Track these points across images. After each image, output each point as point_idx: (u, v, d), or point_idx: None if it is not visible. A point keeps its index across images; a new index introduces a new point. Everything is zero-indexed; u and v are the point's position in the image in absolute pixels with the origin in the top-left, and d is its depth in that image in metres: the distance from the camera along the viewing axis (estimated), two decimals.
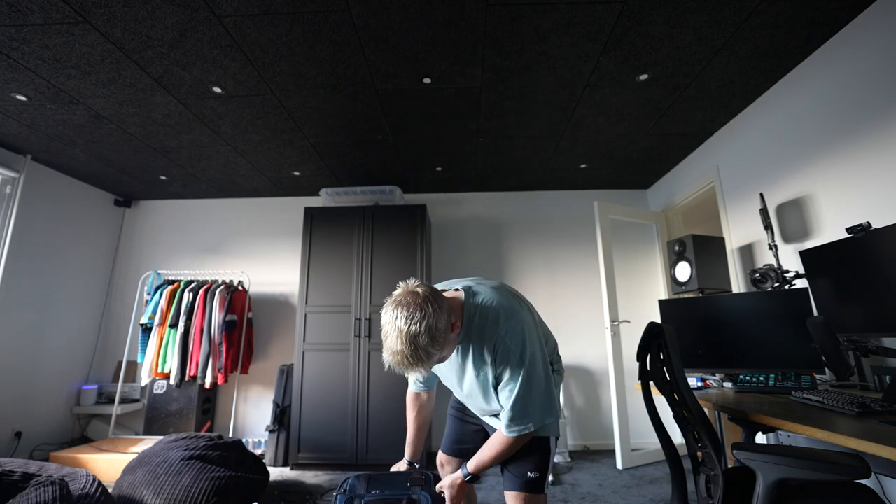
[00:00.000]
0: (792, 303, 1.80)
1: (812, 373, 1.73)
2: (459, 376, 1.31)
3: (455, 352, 1.26)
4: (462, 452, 1.53)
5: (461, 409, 1.57)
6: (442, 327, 1.08)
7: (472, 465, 1.26)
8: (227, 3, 1.86)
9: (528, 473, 1.27)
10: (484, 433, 1.51)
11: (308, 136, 3.06)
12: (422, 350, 1.04)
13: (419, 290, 1.11)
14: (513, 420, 1.19)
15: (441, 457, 1.59)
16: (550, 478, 1.34)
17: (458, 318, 1.18)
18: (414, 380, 1.48)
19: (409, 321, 1.05)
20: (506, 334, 1.17)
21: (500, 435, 1.23)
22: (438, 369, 1.38)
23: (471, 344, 1.22)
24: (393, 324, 1.07)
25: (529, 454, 1.27)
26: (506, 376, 1.18)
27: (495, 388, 1.23)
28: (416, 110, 2.76)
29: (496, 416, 1.38)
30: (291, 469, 3.23)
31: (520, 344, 1.17)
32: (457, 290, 1.27)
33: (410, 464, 1.50)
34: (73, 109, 2.68)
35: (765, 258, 2.63)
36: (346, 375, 3.30)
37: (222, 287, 3.60)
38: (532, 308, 1.33)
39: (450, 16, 1.96)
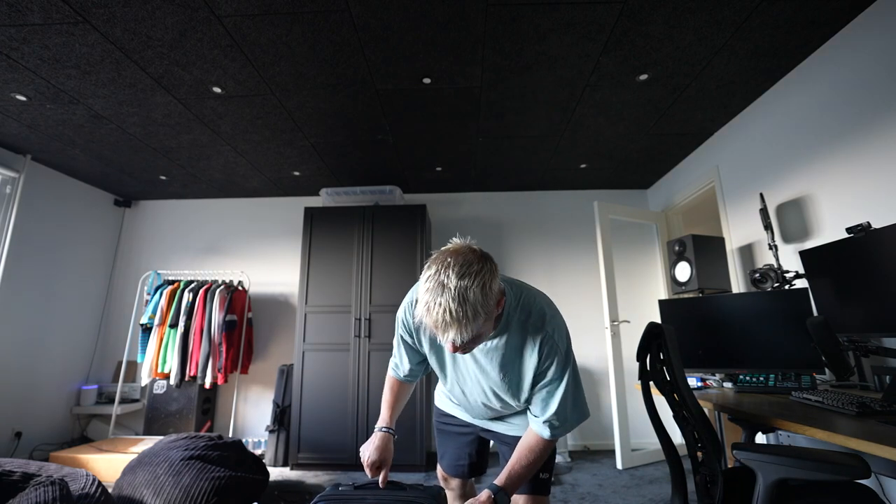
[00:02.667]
0: (792, 303, 1.80)
1: (812, 373, 1.73)
2: (479, 372, 1.18)
3: (479, 354, 1.15)
4: (462, 470, 1.47)
5: (449, 419, 1.49)
6: (495, 290, 0.96)
7: (507, 482, 1.07)
8: (227, 3, 1.85)
9: (541, 475, 1.24)
10: (478, 441, 1.46)
11: (308, 136, 3.06)
12: (470, 307, 0.89)
13: (476, 247, 1.00)
14: (557, 421, 1.11)
15: (441, 472, 1.54)
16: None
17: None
18: (396, 367, 1.35)
19: (462, 270, 0.91)
20: (553, 331, 1.10)
21: (538, 439, 1.13)
22: (442, 362, 1.26)
23: (506, 337, 1.12)
24: (442, 273, 0.92)
25: None
26: (549, 375, 1.10)
27: (531, 388, 1.14)
28: (416, 110, 2.76)
29: (501, 418, 1.33)
30: (291, 469, 3.23)
31: (565, 343, 1.12)
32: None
33: (388, 430, 1.27)
34: (73, 109, 2.68)
35: (765, 258, 2.63)
36: (346, 375, 3.30)
37: (222, 287, 3.60)
38: None
39: (450, 16, 1.96)
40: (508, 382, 1.15)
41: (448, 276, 0.91)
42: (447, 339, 0.92)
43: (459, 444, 1.47)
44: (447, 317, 0.89)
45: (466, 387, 1.25)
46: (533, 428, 1.16)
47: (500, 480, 1.08)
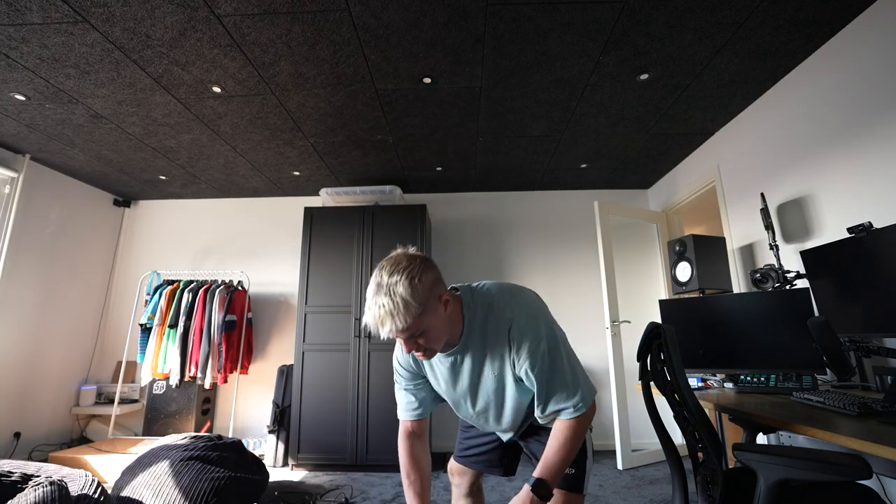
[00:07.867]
0: (793, 303, 1.80)
1: (813, 373, 1.72)
2: (473, 388, 1.18)
3: (465, 362, 1.16)
4: (479, 464, 1.42)
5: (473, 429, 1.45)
6: (426, 281, 1.00)
7: (543, 471, 1.03)
8: (227, 3, 1.85)
9: (567, 470, 1.17)
10: (502, 447, 1.40)
11: (308, 136, 3.06)
12: (400, 298, 0.96)
13: (412, 251, 1.08)
14: (568, 397, 1.05)
15: (453, 465, 1.48)
16: (588, 477, 1.21)
17: (459, 320, 1.11)
18: (406, 403, 1.27)
19: (392, 269, 1.01)
20: (513, 315, 1.08)
21: (560, 423, 1.07)
22: (443, 387, 1.23)
23: (483, 341, 1.12)
24: (378, 276, 1.01)
25: None
26: (532, 358, 1.06)
27: (520, 381, 1.09)
28: (416, 110, 2.75)
29: (514, 431, 1.29)
30: (291, 469, 3.23)
31: (532, 319, 1.07)
32: (454, 289, 1.17)
33: None
34: (73, 109, 2.67)
35: (766, 258, 2.62)
36: (346, 375, 3.29)
37: (222, 287, 3.59)
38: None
39: (450, 15, 1.95)
40: (504, 386, 1.15)
41: (382, 277, 1.00)
42: (386, 333, 0.98)
43: (482, 441, 1.42)
44: (381, 311, 0.97)
45: (478, 399, 1.21)
46: (557, 418, 1.11)
47: (536, 472, 1.04)
